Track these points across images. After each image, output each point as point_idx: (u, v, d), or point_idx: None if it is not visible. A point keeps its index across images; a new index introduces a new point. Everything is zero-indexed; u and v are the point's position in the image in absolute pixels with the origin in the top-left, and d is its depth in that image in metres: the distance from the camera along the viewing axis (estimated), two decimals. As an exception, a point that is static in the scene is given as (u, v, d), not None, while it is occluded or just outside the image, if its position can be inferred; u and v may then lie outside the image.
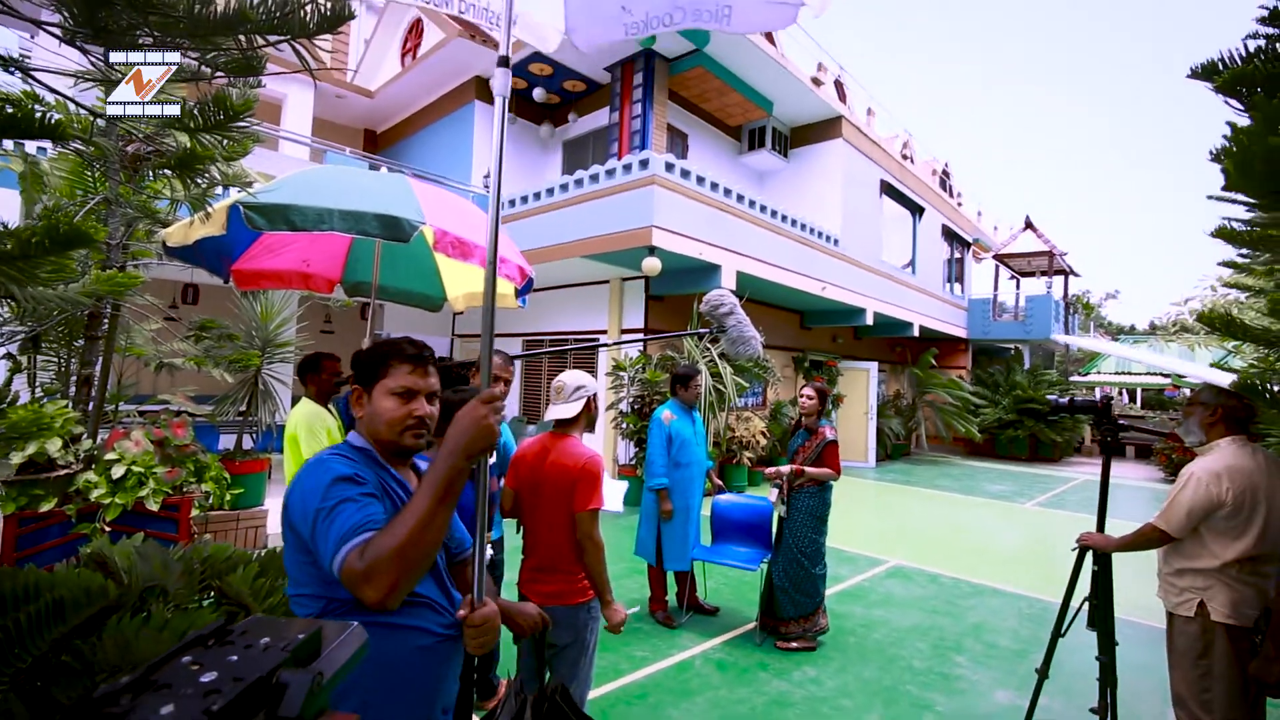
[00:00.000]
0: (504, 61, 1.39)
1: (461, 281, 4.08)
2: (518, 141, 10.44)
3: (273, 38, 1.44)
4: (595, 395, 2.46)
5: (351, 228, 2.61)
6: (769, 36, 10.09)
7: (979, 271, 17.72)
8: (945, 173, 15.74)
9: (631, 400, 8.02)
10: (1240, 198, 1.86)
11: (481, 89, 9.88)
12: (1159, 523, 2.37)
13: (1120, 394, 20.15)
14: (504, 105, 1.42)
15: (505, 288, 3.67)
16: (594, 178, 7.55)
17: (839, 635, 3.99)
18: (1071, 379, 17.73)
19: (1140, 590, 4.76)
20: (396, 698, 1.19)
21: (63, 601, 1.54)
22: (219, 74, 1.76)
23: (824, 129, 10.89)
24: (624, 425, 7.97)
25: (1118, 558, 2.58)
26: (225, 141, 2.16)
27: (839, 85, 11.68)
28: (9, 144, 3.59)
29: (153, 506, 3.78)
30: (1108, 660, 2.49)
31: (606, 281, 9.18)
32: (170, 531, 3.85)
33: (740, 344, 3.85)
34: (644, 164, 6.95)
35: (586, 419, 2.45)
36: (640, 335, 8.55)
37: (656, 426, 4.11)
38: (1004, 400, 14.61)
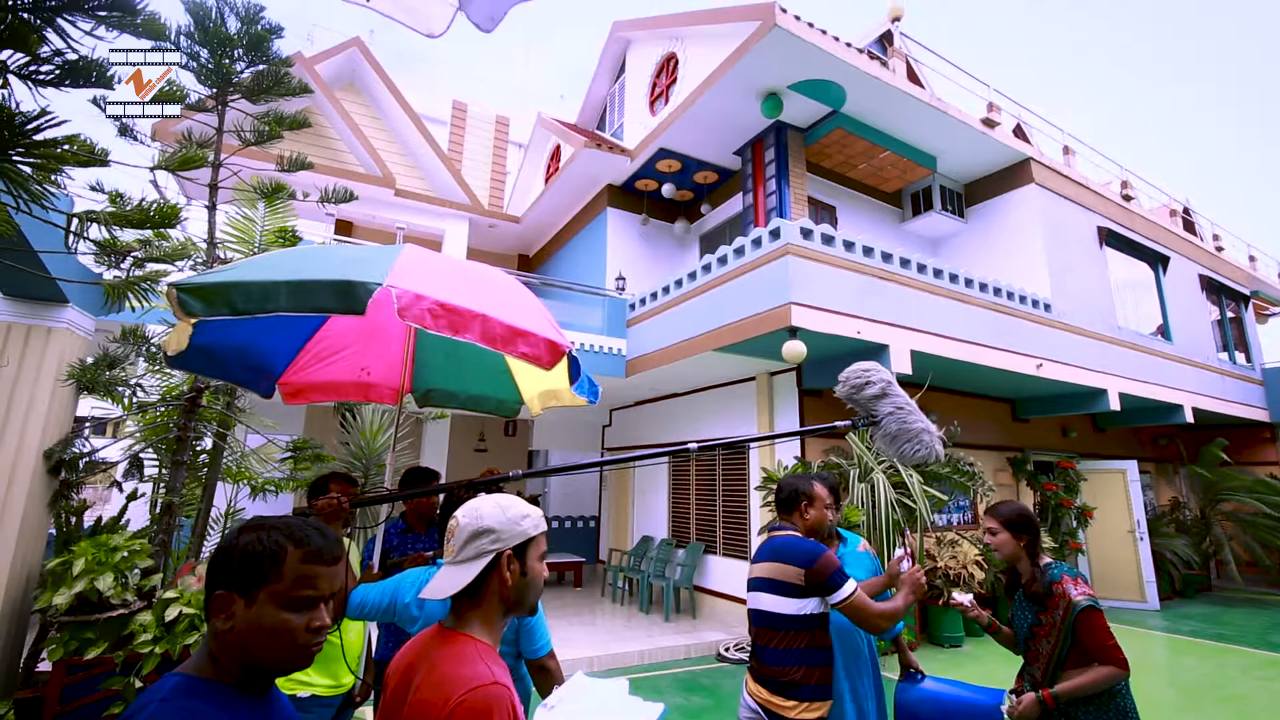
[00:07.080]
0: None
1: (535, 379, 3.30)
2: (654, 241, 10.11)
3: None
4: (531, 540, 1.25)
5: (301, 304, 1.94)
6: (912, 76, 8.89)
7: (1268, 333, 13.34)
8: (1187, 211, 12.45)
9: (788, 519, 6.45)
10: None
11: (613, 196, 9.85)
12: None
13: None
14: None
15: (558, 380, 2.86)
16: (722, 260, 6.66)
17: None
18: None
19: None
20: None
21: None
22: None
23: (1008, 177, 9.06)
24: (780, 551, 6.36)
25: None
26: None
27: (1019, 131, 9.88)
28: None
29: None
30: None
31: (753, 379, 8.01)
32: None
33: (905, 441, 2.45)
34: (775, 234, 5.92)
35: (500, 595, 1.21)
36: (758, 438, 7.09)
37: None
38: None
